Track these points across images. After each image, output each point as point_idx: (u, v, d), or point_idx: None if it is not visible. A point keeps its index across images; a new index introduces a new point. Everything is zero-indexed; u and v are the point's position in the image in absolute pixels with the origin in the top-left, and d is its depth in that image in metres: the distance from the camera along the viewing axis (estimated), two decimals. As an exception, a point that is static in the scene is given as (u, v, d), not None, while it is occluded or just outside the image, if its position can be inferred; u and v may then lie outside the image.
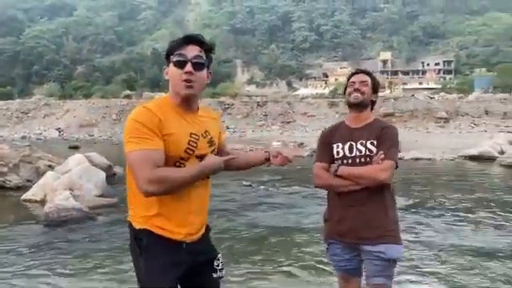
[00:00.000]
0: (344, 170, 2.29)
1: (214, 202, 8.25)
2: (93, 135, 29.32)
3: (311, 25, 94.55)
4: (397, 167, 2.28)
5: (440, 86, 58.72)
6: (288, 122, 31.72)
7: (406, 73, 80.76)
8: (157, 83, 62.65)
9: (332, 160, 2.37)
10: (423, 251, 5.18)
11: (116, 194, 8.74)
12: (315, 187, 2.45)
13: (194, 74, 1.76)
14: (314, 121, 30.18)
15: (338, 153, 2.36)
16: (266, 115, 32.15)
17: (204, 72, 1.81)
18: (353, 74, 2.47)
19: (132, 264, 1.85)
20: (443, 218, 6.86)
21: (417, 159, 14.72)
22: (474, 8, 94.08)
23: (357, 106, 2.38)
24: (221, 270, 1.95)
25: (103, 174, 9.12)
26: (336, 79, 69.37)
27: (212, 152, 1.86)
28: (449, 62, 78.63)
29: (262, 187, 9.86)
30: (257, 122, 31.71)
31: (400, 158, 13.55)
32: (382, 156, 2.23)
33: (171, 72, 1.79)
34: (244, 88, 58.66)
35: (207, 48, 1.84)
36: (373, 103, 2.45)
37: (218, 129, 1.99)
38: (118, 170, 11.84)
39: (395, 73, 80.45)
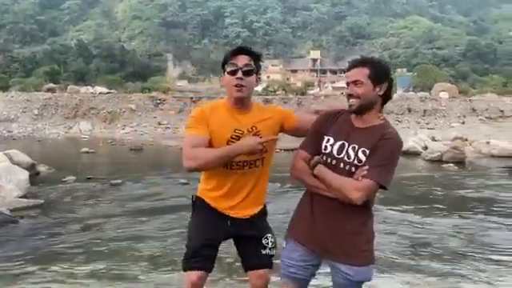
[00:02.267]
0: (321, 170, 1.99)
1: (147, 201, 7.94)
2: (11, 131, 27.14)
3: (244, 21, 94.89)
4: (386, 189, 1.93)
5: (366, 85, 61.44)
6: (222, 118, 31.53)
7: (334, 71, 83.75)
8: (82, 76, 59.50)
9: (318, 152, 2.05)
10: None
11: (41, 194, 8.10)
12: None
13: (244, 80, 2.14)
14: (247, 117, 30.40)
15: (325, 147, 2.03)
16: (199, 111, 31.73)
17: (253, 77, 2.19)
18: (348, 68, 2.02)
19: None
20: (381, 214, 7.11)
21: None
22: (397, 11, 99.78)
23: (357, 112, 1.99)
24: (271, 248, 2.33)
25: (26, 174, 8.42)
26: (268, 77, 70.08)
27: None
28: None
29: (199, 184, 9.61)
30: (190, 118, 31.17)
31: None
32: (364, 173, 1.90)
33: (226, 79, 2.19)
34: (176, 83, 57.42)
35: (255, 57, 2.21)
36: (384, 98, 2.00)
37: (273, 125, 2.28)
38: (42, 168, 11.03)
39: (324, 71, 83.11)
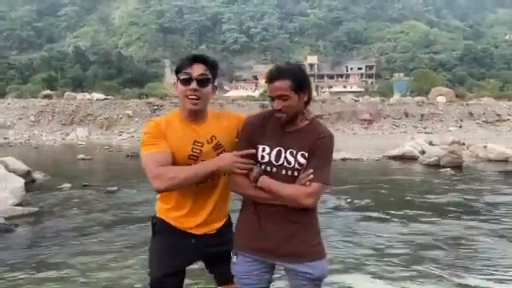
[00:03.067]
0: (265, 182, 1.93)
1: (143, 209, 7.88)
2: (8, 138, 27.05)
3: (241, 27, 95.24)
4: (328, 184, 1.97)
5: (363, 90, 61.73)
6: (219, 124, 31.51)
7: (331, 76, 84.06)
8: (79, 83, 59.54)
9: (254, 161, 1.99)
10: (357, 250, 5.27)
11: (37, 202, 8.05)
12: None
13: (199, 90, 2.00)
14: (245, 122, 30.32)
15: (262, 157, 1.99)
16: (197, 117, 31.72)
17: (209, 87, 2.05)
18: (267, 79, 1.97)
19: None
20: (378, 218, 7.07)
21: (345, 159, 15.24)
22: (394, 16, 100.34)
23: (285, 123, 1.98)
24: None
25: (21, 181, 8.37)
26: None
27: (217, 154, 2.06)
28: (370, 67, 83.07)
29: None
30: (187, 124, 31.14)
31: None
32: (311, 177, 1.90)
33: (179, 88, 2.04)
34: (173, 89, 57.51)
35: (211, 65, 2.05)
36: (306, 103, 1.99)
37: (231, 132, 2.12)
38: (38, 175, 10.98)
39: (321, 76, 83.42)
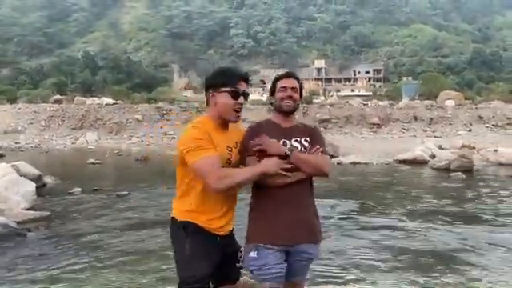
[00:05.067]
0: (296, 154, 2.28)
1: (153, 213, 7.92)
2: (19, 142, 27.32)
3: (249, 31, 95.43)
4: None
5: (371, 93, 61.51)
6: (228, 128, 31.57)
7: (339, 80, 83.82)
8: (89, 87, 60.02)
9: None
10: (370, 252, 5.24)
11: (48, 206, 8.12)
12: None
13: (243, 104, 2.29)
14: (253, 127, 30.34)
15: None
16: (205, 121, 31.82)
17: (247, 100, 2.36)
18: (282, 77, 2.44)
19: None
20: (390, 221, 7.04)
21: (355, 163, 15.18)
22: (401, 20, 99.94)
23: (289, 113, 2.40)
24: (242, 260, 2.35)
25: (33, 185, 8.45)
26: (273, 86, 70.34)
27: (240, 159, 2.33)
28: (378, 71, 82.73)
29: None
30: (196, 128, 31.25)
31: (339, 163, 13.78)
32: (321, 149, 2.32)
33: (225, 100, 2.25)
34: (181, 93, 57.71)
35: (249, 82, 2.33)
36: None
37: (241, 136, 2.38)
38: (48, 180, 11.08)
39: (329, 80, 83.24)
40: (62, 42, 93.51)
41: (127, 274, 4.69)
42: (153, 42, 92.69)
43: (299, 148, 2.33)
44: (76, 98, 39.31)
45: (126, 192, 9.75)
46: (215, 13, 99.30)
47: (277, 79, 2.46)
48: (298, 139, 2.36)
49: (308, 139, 2.37)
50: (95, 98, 39.35)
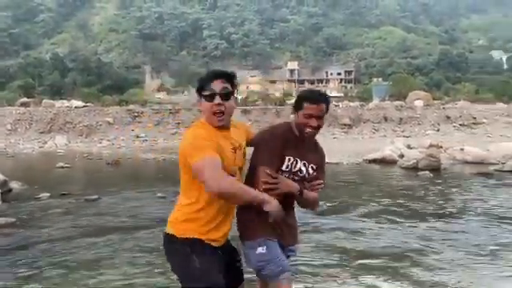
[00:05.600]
0: (304, 193, 2.33)
1: (123, 218, 7.82)
2: (-17, 147, 26.44)
3: (222, 33, 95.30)
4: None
5: (342, 95, 62.41)
6: (201, 130, 31.43)
7: (311, 82, 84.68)
8: (58, 90, 58.59)
9: (277, 169, 2.30)
10: (331, 254, 5.32)
11: (13, 212, 7.89)
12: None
13: (223, 104, 2.13)
14: (226, 128, 30.30)
15: (287, 166, 2.33)
16: (178, 123, 31.52)
17: (232, 100, 2.19)
18: (310, 101, 2.30)
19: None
20: (348, 222, 7.15)
21: (326, 164, 15.32)
22: (372, 22, 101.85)
23: (310, 138, 2.38)
24: (240, 258, 2.38)
25: (-3, 191, 8.19)
26: (247, 87, 70.46)
27: (242, 153, 2.30)
28: (349, 72, 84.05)
29: (177, 198, 9.46)
30: (169, 131, 31.00)
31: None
32: (322, 186, 2.40)
33: (204, 105, 2.17)
34: (154, 95, 57.08)
35: (230, 78, 2.19)
36: None
37: (244, 136, 2.36)
38: (14, 185, 10.76)
39: (302, 81, 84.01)
40: (28, 44, 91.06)
41: (95, 281, 4.62)
42: (124, 44, 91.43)
43: (304, 173, 2.36)
44: (44, 100, 38.33)
45: (96, 196, 9.57)
46: (187, 14, 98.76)
47: (304, 99, 2.33)
48: (306, 164, 2.36)
49: (315, 167, 2.39)
50: (64, 101, 38.44)
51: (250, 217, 2.28)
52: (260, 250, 2.24)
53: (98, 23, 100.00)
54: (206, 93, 2.13)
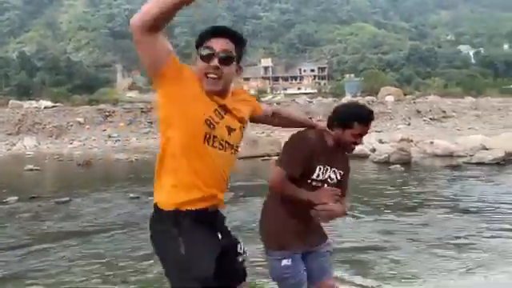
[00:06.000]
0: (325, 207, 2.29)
1: (95, 219, 7.67)
2: None
3: (193, 30, 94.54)
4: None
5: (316, 91, 62.97)
6: (174, 129, 31.14)
7: (285, 78, 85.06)
8: (25, 90, 56.89)
9: (307, 178, 2.27)
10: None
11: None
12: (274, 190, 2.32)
13: (221, 69, 1.71)
14: (200, 126, 30.05)
15: (318, 175, 2.30)
16: (151, 122, 31.12)
17: (232, 66, 1.76)
18: (365, 121, 2.27)
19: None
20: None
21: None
22: (343, 18, 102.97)
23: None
24: (245, 252, 1.94)
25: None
26: (220, 84, 70.25)
27: (242, 127, 1.87)
28: (323, 69, 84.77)
29: (150, 198, 9.37)
30: (141, 130, 30.58)
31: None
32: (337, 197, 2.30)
33: (198, 65, 1.75)
34: (125, 94, 56.16)
35: (238, 41, 1.77)
36: None
37: (250, 106, 1.99)
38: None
39: (276, 79, 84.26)
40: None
41: (68, 284, 4.52)
42: (94, 42, 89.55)
43: (334, 180, 2.36)
44: (11, 101, 37.16)
45: (67, 198, 9.37)
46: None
47: (356, 118, 2.26)
48: (336, 171, 2.36)
49: (342, 173, 2.40)
50: (33, 102, 37.35)
51: (277, 228, 2.30)
52: (285, 262, 2.25)
53: (66, 21, 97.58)
54: (204, 51, 1.72)
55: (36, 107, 33.92)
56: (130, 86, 71.67)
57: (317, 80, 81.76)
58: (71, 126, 30.29)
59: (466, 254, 5.02)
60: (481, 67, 73.06)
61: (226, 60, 1.71)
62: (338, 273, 4.36)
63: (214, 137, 1.73)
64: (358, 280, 4.31)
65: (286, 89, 74.67)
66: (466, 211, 7.24)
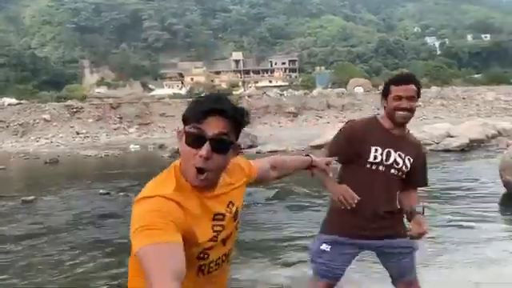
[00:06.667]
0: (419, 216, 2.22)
1: (63, 217, 7.52)
2: None
3: (163, 24, 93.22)
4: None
5: (287, 84, 63.30)
6: (146, 124, 30.69)
7: (257, 72, 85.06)
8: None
9: (363, 162, 2.19)
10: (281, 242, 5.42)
11: None
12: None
13: (212, 159, 1.24)
14: (173, 121, 29.73)
15: (375, 157, 2.18)
16: (121, 118, 30.57)
17: (227, 155, 1.29)
18: (398, 82, 2.19)
19: None
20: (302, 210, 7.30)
21: (273, 152, 15.55)
22: (313, 11, 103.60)
23: (403, 123, 2.22)
24: None
25: None
26: (192, 79, 69.67)
27: (237, 224, 1.43)
28: (293, 61, 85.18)
29: (121, 194, 9.25)
30: (111, 126, 30.02)
31: (258, 152, 13.99)
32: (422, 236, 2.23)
33: (183, 149, 1.27)
34: (94, 90, 54.97)
35: (237, 121, 1.28)
36: None
37: (243, 189, 1.50)
38: None
39: (247, 72, 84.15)
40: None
41: (36, 282, 4.42)
42: (59, 37, 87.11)
43: (401, 165, 2.20)
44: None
45: (33, 197, 9.13)
46: (126, 5, 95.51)
47: (392, 82, 2.21)
48: (403, 155, 2.21)
49: (411, 160, 2.22)
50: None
51: (333, 215, 2.29)
52: (324, 246, 2.24)
53: (29, 16, 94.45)
54: (190, 133, 1.25)
55: (-1, 105, 32.77)
56: (99, 81, 70.18)
57: (288, 73, 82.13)
58: (37, 123, 29.42)
59: (428, 243, 4.98)
60: (446, 58, 75.05)
61: (220, 146, 1.25)
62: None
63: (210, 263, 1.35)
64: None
65: (257, 82, 74.70)
66: (434, 197, 7.41)
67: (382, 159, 2.19)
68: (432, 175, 9.13)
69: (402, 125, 2.22)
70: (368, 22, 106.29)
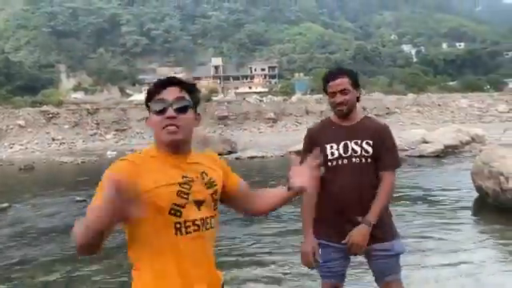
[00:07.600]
0: (374, 216, 2.21)
1: (38, 224, 7.36)
2: None
3: (141, 29, 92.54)
4: (399, 166, 2.35)
5: (267, 90, 63.54)
6: (123, 130, 30.36)
7: (236, 78, 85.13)
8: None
9: (325, 161, 2.23)
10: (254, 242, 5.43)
11: None
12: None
13: (178, 118, 1.50)
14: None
15: (332, 153, 2.26)
16: (98, 124, 30.16)
17: (190, 114, 1.54)
18: (328, 79, 2.30)
19: None
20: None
21: (252, 157, 15.59)
22: (292, 18, 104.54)
23: (345, 115, 2.29)
24: None
25: None
26: (170, 84, 69.17)
27: (213, 194, 1.57)
28: (273, 68, 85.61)
29: (97, 201, 9.06)
30: (88, 132, 29.58)
31: (237, 158, 14.00)
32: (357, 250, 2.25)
33: (153, 121, 1.53)
34: (70, 95, 54.04)
35: (189, 88, 1.58)
36: (357, 99, 2.35)
37: (220, 171, 1.65)
38: None
39: (227, 78, 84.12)
40: None
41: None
42: (34, 41, 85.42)
43: (359, 153, 2.24)
44: None
45: (7, 205, 8.92)
46: (103, 9, 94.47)
47: (325, 80, 2.31)
48: (359, 141, 2.25)
49: (370, 142, 2.25)
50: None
51: (317, 215, 2.33)
52: (319, 249, 2.32)
53: (3, 19, 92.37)
54: (156, 105, 1.51)
55: (-29, 110, 31.89)
56: (75, 86, 69.04)
57: (267, 79, 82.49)
58: (11, 129, 28.77)
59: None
60: (422, 65, 76.67)
61: (182, 108, 1.51)
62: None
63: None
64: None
65: (237, 88, 74.75)
66: (398, 200, 7.44)
67: (339, 153, 2.26)
68: (406, 180, 9.36)
69: (345, 116, 2.30)
70: (346, 29, 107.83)
